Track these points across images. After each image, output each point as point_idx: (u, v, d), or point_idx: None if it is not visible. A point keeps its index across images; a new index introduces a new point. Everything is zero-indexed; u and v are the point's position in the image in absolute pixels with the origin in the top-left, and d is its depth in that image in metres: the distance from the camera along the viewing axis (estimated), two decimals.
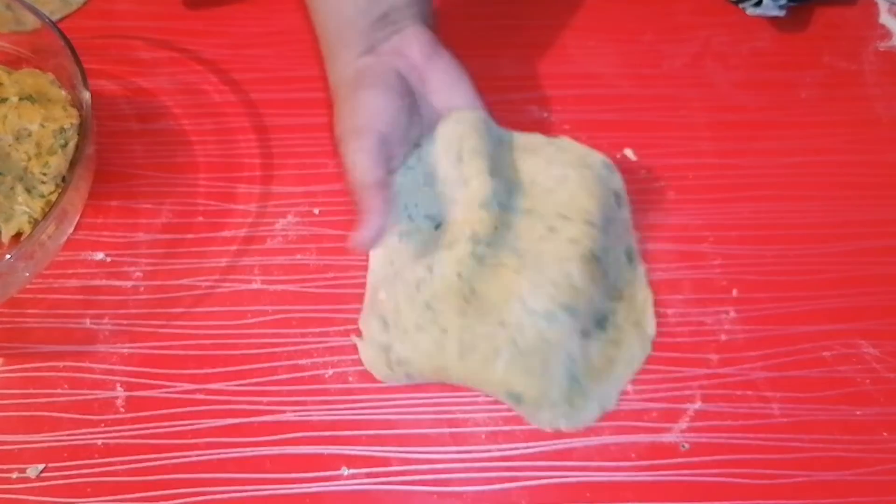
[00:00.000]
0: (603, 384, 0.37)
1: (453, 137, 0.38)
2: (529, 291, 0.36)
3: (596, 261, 0.37)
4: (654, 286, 0.39)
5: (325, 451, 0.35)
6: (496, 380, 0.35)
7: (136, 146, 0.42)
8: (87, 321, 0.37)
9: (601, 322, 0.38)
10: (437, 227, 0.39)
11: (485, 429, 0.36)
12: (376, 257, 0.40)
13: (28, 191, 0.36)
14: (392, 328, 0.37)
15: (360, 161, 0.34)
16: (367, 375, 0.36)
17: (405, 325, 0.36)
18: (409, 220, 0.39)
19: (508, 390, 0.35)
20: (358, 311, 0.38)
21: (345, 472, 0.34)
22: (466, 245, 0.36)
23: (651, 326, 0.38)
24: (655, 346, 0.38)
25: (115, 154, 0.42)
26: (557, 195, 0.39)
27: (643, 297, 0.39)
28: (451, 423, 0.36)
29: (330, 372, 0.37)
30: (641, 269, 0.40)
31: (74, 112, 0.37)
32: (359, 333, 0.38)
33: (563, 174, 0.39)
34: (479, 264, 0.36)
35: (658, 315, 0.38)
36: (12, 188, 0.35)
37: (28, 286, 0.38)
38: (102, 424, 0.35)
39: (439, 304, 0.36)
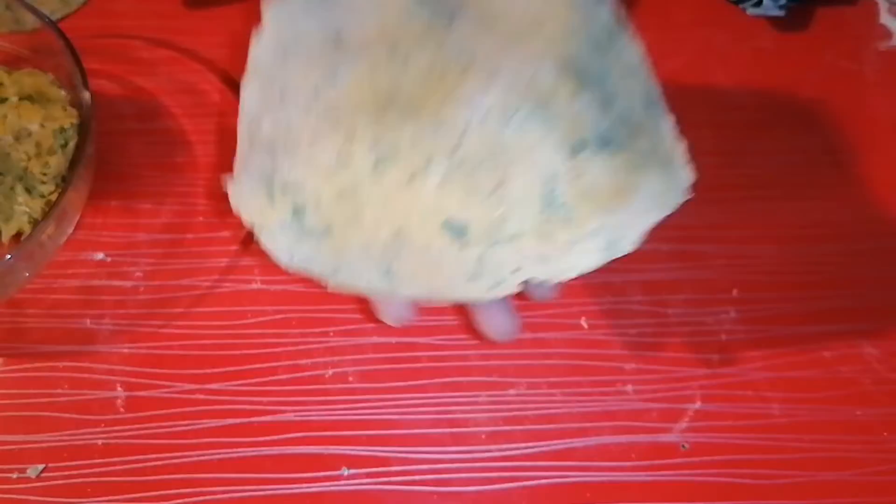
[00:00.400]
0: (611, 214, 0.27)
1: None
2: (480, 86, 0.26)
3: (583, 77, 0.27)
4: (654, 286, 0.39)
5: (325, 451, 0.35)
6: (427, 203, 0.26)
7: (136, 146, 0.42)
8: (87, 321, 0.37)
9: (610, 144, 0.27)
10: (338, 40, 0.29)
11: (485, 429, 0.36)
12: (251, 90, 0.31)
13: (28, 191, 0.35)
14: (279, 152, 0.28)
15: None
16: (367, 375, 0.36)
17: (296, 140, 0.27)
18: (291, 24, 0.30)
19: (446, 219, 0.26)
20: (359, 310, 0.38)
21: (345, 472, 0.34)
22: (379, 48, 0.27)
23: (685, 171, 0.29)
24: (655, 346, 0.37)
25: (115, 154, 0.41)
26: (520, 3, 0.29)
27: (670, 143, 0.30)
28: (451, 423, 0.36)
29: (330, 372, 0.36)
30: (666, 119, 0.30)
31: (74, 112, 0.37)
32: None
33: None
34: (404, 65, 0.27)
35: (657, 315, 0.38)
36: (12, 188, 0.35)
37: (28, 286, 0.38)
38: (103, 424, 0.35)
39: (345, 108, 0.27)
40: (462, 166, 0.26)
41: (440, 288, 0.29)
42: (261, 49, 0.33)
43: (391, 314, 0.35)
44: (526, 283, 0.28)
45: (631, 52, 0.32)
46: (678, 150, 0.30)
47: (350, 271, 0.29)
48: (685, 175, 0.29)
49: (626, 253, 0.28)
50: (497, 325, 0.35)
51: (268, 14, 0.32)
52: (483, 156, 0.26)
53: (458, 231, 0.27)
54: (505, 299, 0.31)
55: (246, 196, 0.28)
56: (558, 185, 0.27)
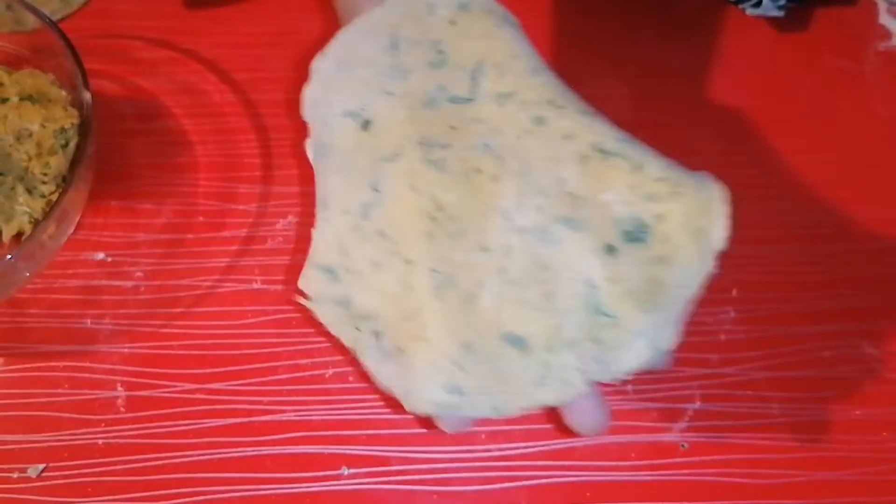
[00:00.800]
0: (649, 313, 0.28)
1: (382, 23, 0.32)
2: (514, 202, 0.28)
3: (604, 156, 0.29)
4: None
5: (325, 451, 0.35)
6: (487, 320, 0.28)
7: (136, 146, 0.42)
8: (88, 321, 0.37)
9: (637, 233, 0.29)
10: (366, 126, 0.31)
11: (485, 429, 0.36)
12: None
13: (29, 191, 0.36)
14: (342, 275, 0.30)
15: None
16: (367, 375, 0.36)
17: (358, 267, 0.30)
18: (325, 128, 0.31)
19: (506, 333, 0.28)
20: None
21: (345, 471, 0.34)
22: (415, 152, 0.29)
23: (719, 234, 0.29)
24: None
25: (116, 154, 0.42)
26: (541, 77, 0.31)
27: (710, 193, 0.29)
28: None
29: (330, 372, 0.37)
30: (704, 178, 0.30)
31: (75, 112, 0.37)
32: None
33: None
34: (439, 171, 0.29)
35: None
36: (13, 188, 0.35)
37: (28, 286, 0.38)
38: (103, 424, 0.35)
39: (397, 230, 0.29)
40: (512, 285, 0.28)
41: (509, 399, 0.30)
42: (310, 152, 0.34)
43: (453, 424, 0.32)
44: (595, 380, 0.29)
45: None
46: (719, 199, 0.30)
47: (421, 391, 0.30)
48: (719, 237, 0.29)
49: (670, 349, 0.29)
50: (584, 421, 0.32)
51: (307, 110, 0.34)
52: (529, 273, 0.28)
53: (518, 342, 0.28)
54: (592, 392, 0.31)
55: (334, 322, 0.30)
56: (599, 291, 0.29)
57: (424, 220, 0.29)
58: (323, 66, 0.34)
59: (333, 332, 0.31)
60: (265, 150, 0.42)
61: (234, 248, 0.39)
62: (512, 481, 0.34)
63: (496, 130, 0.30)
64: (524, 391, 0.30)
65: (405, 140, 0.29)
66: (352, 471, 0.34)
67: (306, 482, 0.34)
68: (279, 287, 0.38)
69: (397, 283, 0.29)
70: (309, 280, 0.31)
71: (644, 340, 0.29)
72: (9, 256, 0.32)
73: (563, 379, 0.29)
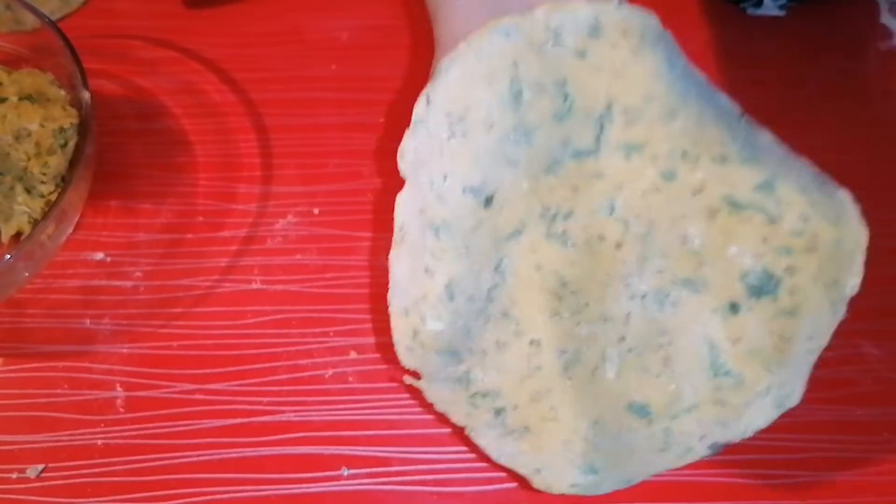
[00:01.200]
0: (776, 371, 0.27)
1: (500, 58, 0.27)
2: (635, 268, 0.27)
3: (736, 210, 0.27)
4: None
5: (325, 451, 0.35)
6: (612, 392, 0.28)
7: (136, 146, 0.42)
8: (87, 321, 0.37)
9: (764, 287, 0.27)
10: (488, 203, 0.29)
11: None
12: (401, 270, 0.30)
13: (28, 191, 0.35)
14: (465, 355, 0.29)
15: None
16: (367, 375, 0.36)
17: (482, 347, 0.29)
18: (439, 202, 0.28)
19: (629, 402, 0.28)
20: (359, 310, 0.38)
21: (345, 472, 0.34)
22: (538, 226, 0.28)
23: (853, 283, 0.28)
24: None
25: (115, 154, 0.41)
26: (677, 122, 0.28)
27: (852, 238, 0.28)
28: (451, 423, 0.36)
29: (330, 372, 0.36)
30: (845, 199, 0.28)
31: (74, 112, 0.37)
32: (403, 373, 0.30)
33: (685, 90, 0.27)
34: (562, 245, 0.28)
35: None
36: (12, 188, 0.35)
37: (28, 286, 0.38)
38: (102, 424, 0.35)
39: (521, 310, 0.29)
40: (631, 352, 0.28)
41: (637, 468, 0.30)
42: (405, 211, 0.31)
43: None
44: (714, 446, 0.29)
45: (765, 132, 0.30)
46: (859, 244, 0.28)
47: (552, 470, 0.30)
48: (851, 285, 0.28)
49: (797, 405, 0.28)
50: None
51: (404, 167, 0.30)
52: (647, 339, 0.28)
53: (642, 411, 0.28)
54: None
55: (445, 400, 0.30)
56: (721, 352, 0.28)
57: (549, 299, 0.28)
58: (432, 119, 0.29)
59: (440, 408, 0.31)
60: (265, 150, 0.42)
61: (233, 248, 0.39)
62: (512, 482, 0.34)
63: (620, 187, 0.28)
64: (650, 460, 0.30)
65: (527, 214, 0.28)
66: (352, 471, 0.34)
67: (306, 482, 0.34)
68: (279, 287, 0.38)
69: (523, 363, 0.29)
70: (426, 362, 0.30)
71: (770, 399, 0.28)
72: (8, 256, 0.32)
73: (685, 445, 0.29)
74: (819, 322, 0.28)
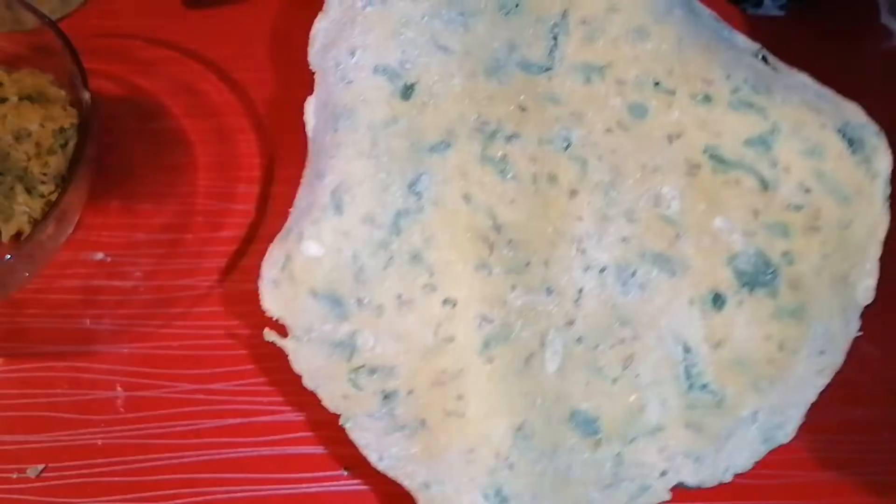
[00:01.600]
0: (768, 391, 0.22)
1: None
2: (594, 228, 0.21)
3: (722, 166, 0.22)
4: None
5: (325, 451, 0.35)
6: (548, 391, 0.21)
7: (136, 146, 0.42)
8: (87, 321, 0.37)
9: (758, 276, 0.22)
10: (407, 93, 0.23)
11: None
12: (301, 187, 0.24)
13: (28, 191, 0.35)
14: (352, 309, 0.23)
15: None
16: None
17: (378, 301, 0.22)
18: (343, 85, 0.24)
19: (572, 410, 0.22)
20: None
21: (345, 472, 0.34)
22: (472, 142, 0.22)
23: (867, 284, 0.23)
24: None
25: (115, 154, 0.41)
26: (648, 43, 0.23)
27: (867, 218, 0.22)
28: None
29: None
30: (880, 168, 0.23)
31: (74, 112, 0.37)
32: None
33: (664, 8, 0.22)
34: (501, 175, 0.22)
35: None
36: (12, 188, 0.35)
37: (28, 286, 0.38)
38: (102, 424, 0.35)
39: (438, 255, 0.22)
40: (581, 343, 0.22)
41: (565, 502, 0.22)
42: (312, 113, 0.26)
43: None
44: (679, 487, 0.23)
45: (788, 72, 0.24)
46: (877, 233, 0.23)
47: (445, 487, 0.23)
48: (866, 289, 0.23)
49: (787, 442, 0.23)
50: None
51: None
52: (603, 329, 0.21)
53: (588, 426, 0.22)
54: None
55: (320, 371, 0.23)
56: (698, 358, 0.22)
57: (477, 245, 0.22)
58: None
59: (309, 383, 0.24)
60: (265, 150, 0.42)
61: (233, 248, 0.39)
62: None
63: (578, 118, 0.22)
64: (588, 496, 0.22)
65: (459, 122, 0.22)
66: (352, 471, 0.34)
67: (306, 482, 0.34)
68: None
69: (430, 331, 0.22)
70: (297, 310, 0.23)
71: (757, 428, 0.22)
72: (8, 256, 0.32)
73: (640, 483, 0.22)
74: (830, 333, 0.22)
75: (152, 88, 0.44)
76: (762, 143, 0.23)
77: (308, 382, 0.25)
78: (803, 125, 0.24)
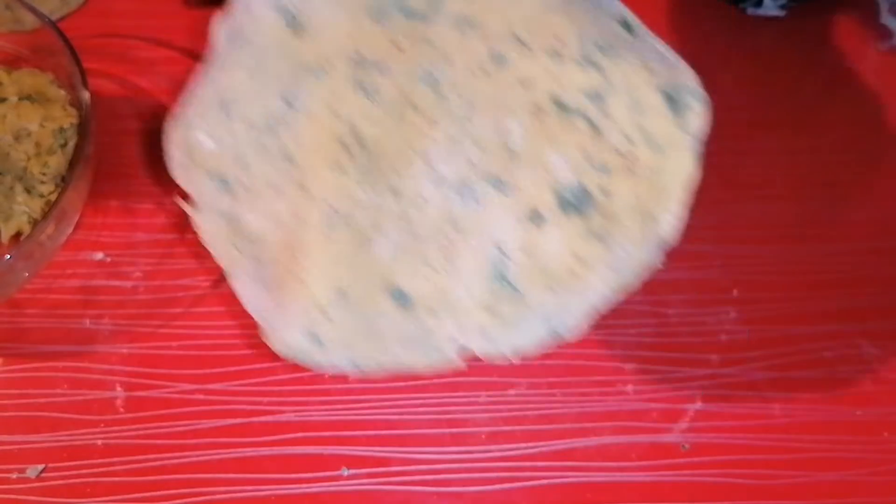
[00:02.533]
0: (559, 294, 0.26)
1: None
2: (444, 148, 0.25)
3: (563, 112, 0.26)
4: (654, 286, 0.39)
5: (325, 452, 0.35)
6: (374, 269, 0.26)
7: (136, 146, 0.42)
8: (87, 321, 0.37)
9: (576, 202, 0.26)
10: (295, 28, 0.28)
11: (485, 429, 0.36)
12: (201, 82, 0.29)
13: (27, 191, 0.35)
14: (237, 189, 0.27)
15: None
16: (367, 376, 0.36)
17: (255, 185, 0.27)
18: (245, 13, 0.28)
19: (391, 285, 0.26)
20: None
21: (345, 472, 0.34)
22: (347, 70, 0.26)
23: (669, 222, 0.26)
24: (655, 346, 0.37)
25: (115, 154, 0.41)
26: (517, 5, 0.27)
27: (676, 167, 0.27)
28: (451, 423, 0.36)
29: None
30: (692, 126, 0.27)
31: (74, 112, 0.37)
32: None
33: None
34: (368, 99, 0.26)
35: (657, 315, 0.38)
36: (12, 188, 0.35)
37: (27, 286, 0.38)
38: (102, 424, 0.35)
39: (305, 155, 0.26)
40: (413, 237, 0.26)
41: (372, 356, 0.28)
42: (217, 32, 0.31)
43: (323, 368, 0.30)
44: (473, 354, 0.27)
45: (645, 37, 0.29)
46: (679, 178, 0.27)
47: (284, 331, 0.29)
48: (668, 225, 0.26)
49: (566, 338, 0.27)
50: None
51: None
52: (436, 230, 0.26)
53: (402, 297, 0.26)
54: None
55: (213, 235, 0.28)
56: (510, 262, 0.26)
57: (336, 149, 0.26)
58: None
59: (208, 244, 0.29)
60: None
61: None
62: (512, 482, 0.34)
63: (448, 60, 0.26)
64: (391, 350, 0.28)
65: (338, 54, 0.26)
66: (352, 471, 0.34)
67: (306, 482, 0.34)
68: None
69: (289, 211, 0.26)
70: (196, 181, 0.28)
71: (543, 322, 0.26)
72: (7, 256, 0.32)
73: (437, 346, 0.27)
74: (629, 259, 0.26)
75: (151, 88, 0.44)
76: (597, 96, 0.27)
77: (206, 242, 0.30)
78: (635, 84, 0.28)
